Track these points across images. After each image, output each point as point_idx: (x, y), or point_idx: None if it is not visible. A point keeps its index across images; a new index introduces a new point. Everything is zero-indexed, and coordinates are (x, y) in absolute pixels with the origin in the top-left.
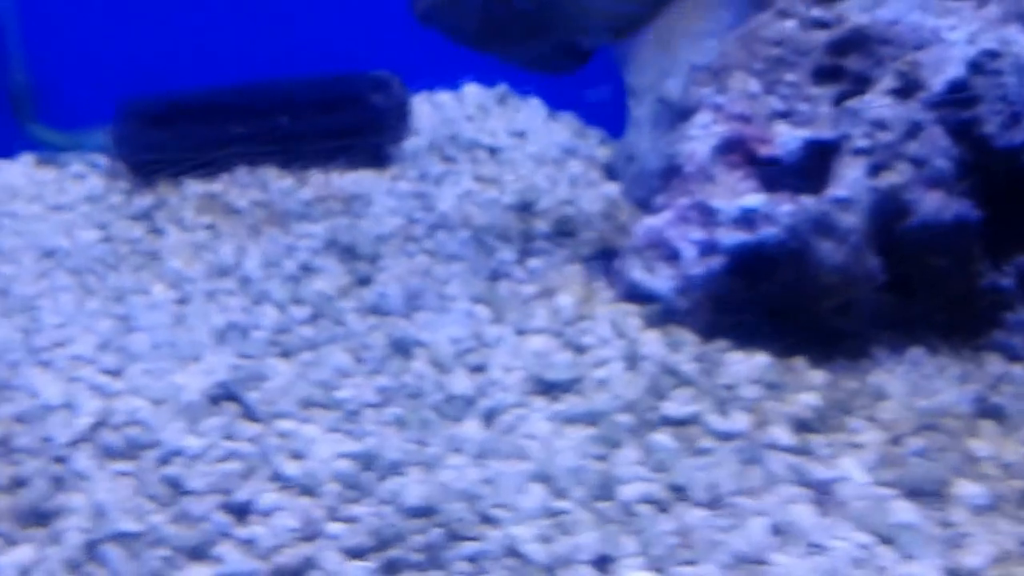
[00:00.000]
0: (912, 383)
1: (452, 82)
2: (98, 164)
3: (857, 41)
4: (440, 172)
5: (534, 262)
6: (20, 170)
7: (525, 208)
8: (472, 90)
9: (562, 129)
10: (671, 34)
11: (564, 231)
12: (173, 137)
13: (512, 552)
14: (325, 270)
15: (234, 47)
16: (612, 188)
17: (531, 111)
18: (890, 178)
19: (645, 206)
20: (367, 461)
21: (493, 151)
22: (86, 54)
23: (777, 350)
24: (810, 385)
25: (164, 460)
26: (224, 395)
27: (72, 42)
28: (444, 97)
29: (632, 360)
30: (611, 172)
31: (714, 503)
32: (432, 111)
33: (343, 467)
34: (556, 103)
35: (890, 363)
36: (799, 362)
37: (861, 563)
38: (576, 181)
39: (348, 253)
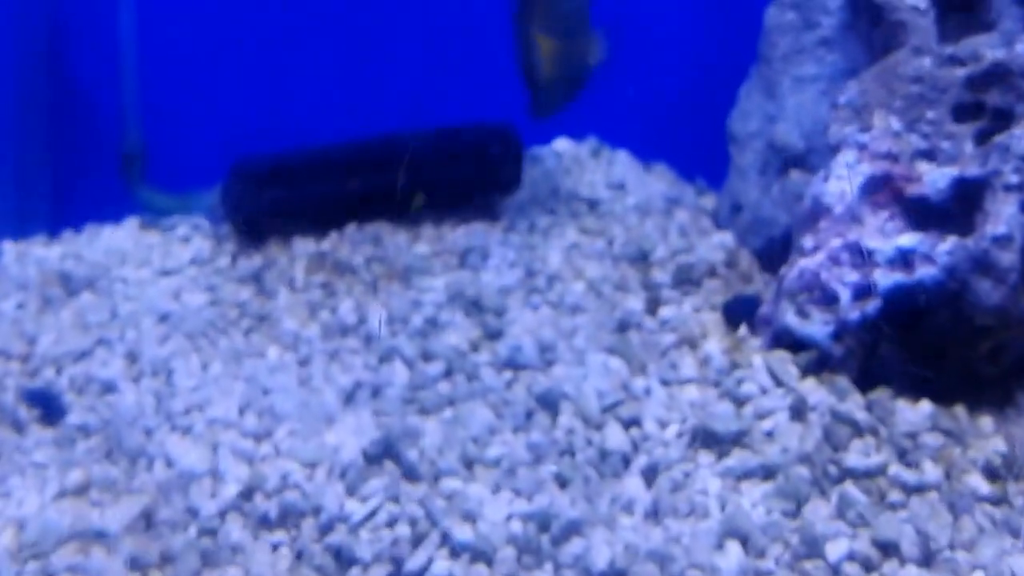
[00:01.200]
0: None
1: (545, 137)
2: (202, 226)
3: (997, 76)
4: (546, 225)
5: (664, 312)
6: (126, 234)
7: (641, 259)
8: (564, 144)
9: (658, 179)
10: (776, 81)
11: (687, 280)
12: (282, 196)
13: None
14: (453, 324)
15: (343, 104)
16: (725, 237)
17: (625, 163)
18: None
19: (764, 255)
20: (542, 522)
21: (593, 204)
22: (194, 116)
23: (934, 396)
24: (985, 432)
25: (326, 528)
26: (382, 454)
27: (180, 104)
28: (540, 151)
29: (798, 410)
30: (717, 220)
31: (928, 559)
32: (529, 167)
33: (517, 529)
34: (645, 154)
35: None
36: (960, 409)
37: None
38: (686, 231)
39: (474, 306)
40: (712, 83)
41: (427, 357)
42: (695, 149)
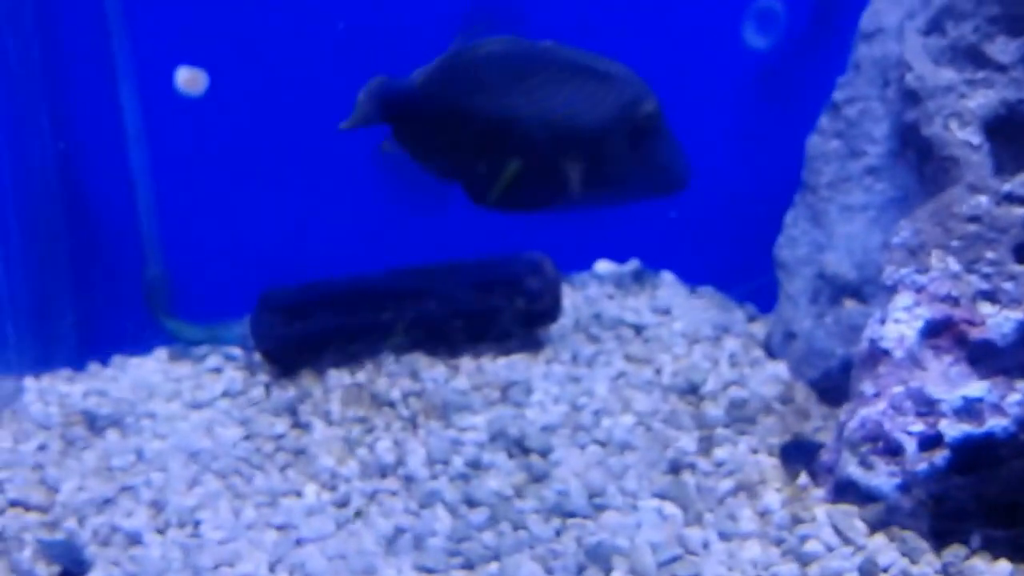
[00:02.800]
0: None
1: (584, 262)
2: (234, 356)
3: None
4: (590, 354)
5: (719, 452)
6: (154, 366)
7: (691, 391)
8: (605, 267)
9: (706, 304)
10: (824, 208)
11: (741, 417)
12: (314, 327)
13: None
14: (495, 466)
15: (378, 234)
16: (778, 367)
17: (670, 286)
18: None
19: (820, 388)
20: None
21: (639, 329)
22: (219, 246)
23: (1012, 551)
24: None
25: None
26: None
27: (206, 234)
28: (581, 276)
29: (870, 572)
30: (769, 349)
31: None
32: (571, 291)
33: None
34: (690, 277)
35: None
36: None
37: None
38: (737, 360)
39: (517, 446)
40: (756, 206)
41: (470, 503)
42: (742, 274)
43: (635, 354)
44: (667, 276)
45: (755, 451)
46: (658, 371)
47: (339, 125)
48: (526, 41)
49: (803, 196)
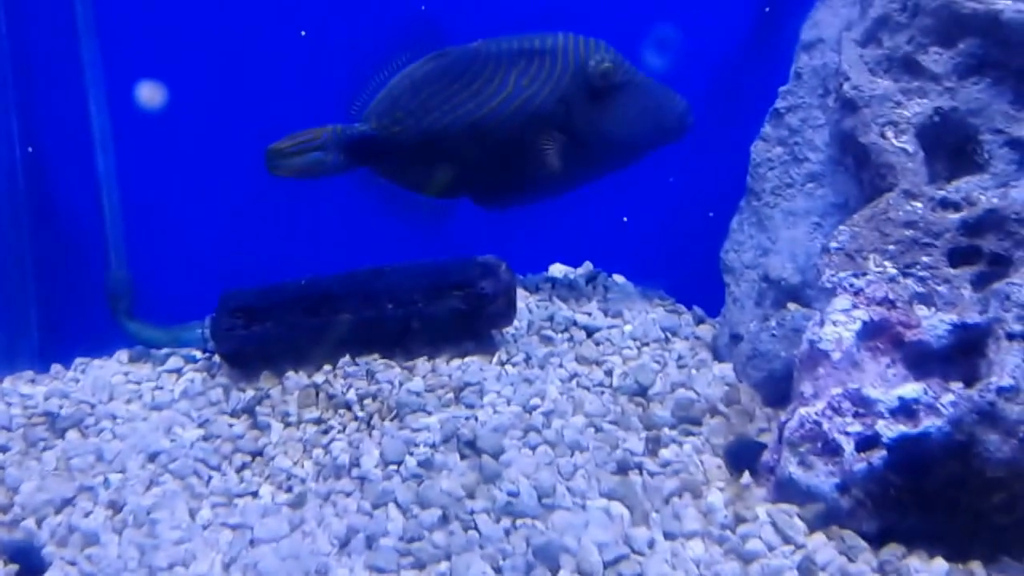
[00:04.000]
0: None
1: (540, 265)
2: (194, 358)
3: (993, 222)
4: (543, 355)
5: (665, 453)
6: (116, 368)
7: (640, 393)
8: (559, 270)
9: (655, 307)
10: (768, 213)
11: (687, 418)
12: (273, 329)
13: None
14: (448, 467)
15: (335, 237)
16: (724, 369)
17: (621, 289)
18: None
19: (764, 389)
20: None
21: (590, 331)
22: (182, 249)
23: (948, 552)
24: None
25: None
26: None
27: (168, 238)
28: (536, 279)
29: (808, 571)
30: (716, 352)
31: None
32: (526, 293)
33: None
34: (641, 280)
35: None
36: (976, 566)
37: None
38: (685, 362)
39: (470, 447)
40: (703, 212)
41: (422, 504)
42: (690, 277)
43: (587, 356)
44: (619, 279)
45: (700, 452)
46: (608, 373)
47: (311, 176)
48: (455, 48)
49: (748, 201)
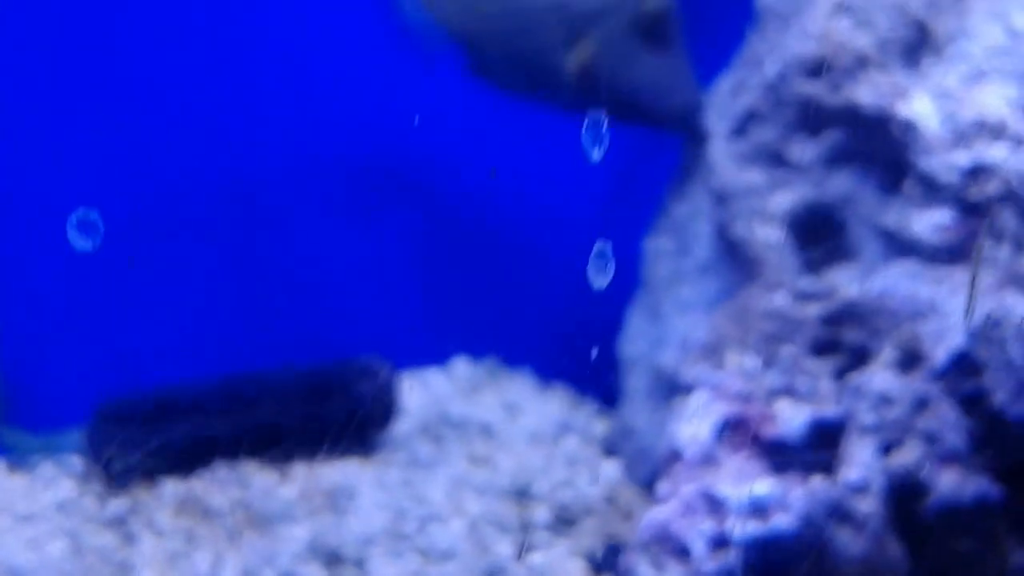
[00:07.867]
0: None
1: (441, 358)
2: (71, 466)
3: (851, 314)
4: (431, 456)
5: (535, 557)
6: None
7: (521, 493)
8: (462, 364)
9: (555, 402)
10: (660, 303)
11: (564, 519)
12: (150, 437)
13: None
14: None
15: (217, 340)
16: (612, 467)
17: (522, 384)
18: (902, 457)
19: (650, 486)
20: None
21: (485, 429)
22: (59, 353)
23: None
24: None
25: None
26: None
27: (44, 341)
28: (433, 374)
29: None
30: (611, 448)
31: None
32: (422, 389)
33: None
34: (548, 373)
35: None
36: None
37: None
38: (573, 460)
39: (333, 558)
40: (607, 302)
41: None
42: (592, 370)
43: (478, 454)
44: (521, 373)
45: (572, 554)
46: (496, 471)
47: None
48: None
49: (643, 293)
